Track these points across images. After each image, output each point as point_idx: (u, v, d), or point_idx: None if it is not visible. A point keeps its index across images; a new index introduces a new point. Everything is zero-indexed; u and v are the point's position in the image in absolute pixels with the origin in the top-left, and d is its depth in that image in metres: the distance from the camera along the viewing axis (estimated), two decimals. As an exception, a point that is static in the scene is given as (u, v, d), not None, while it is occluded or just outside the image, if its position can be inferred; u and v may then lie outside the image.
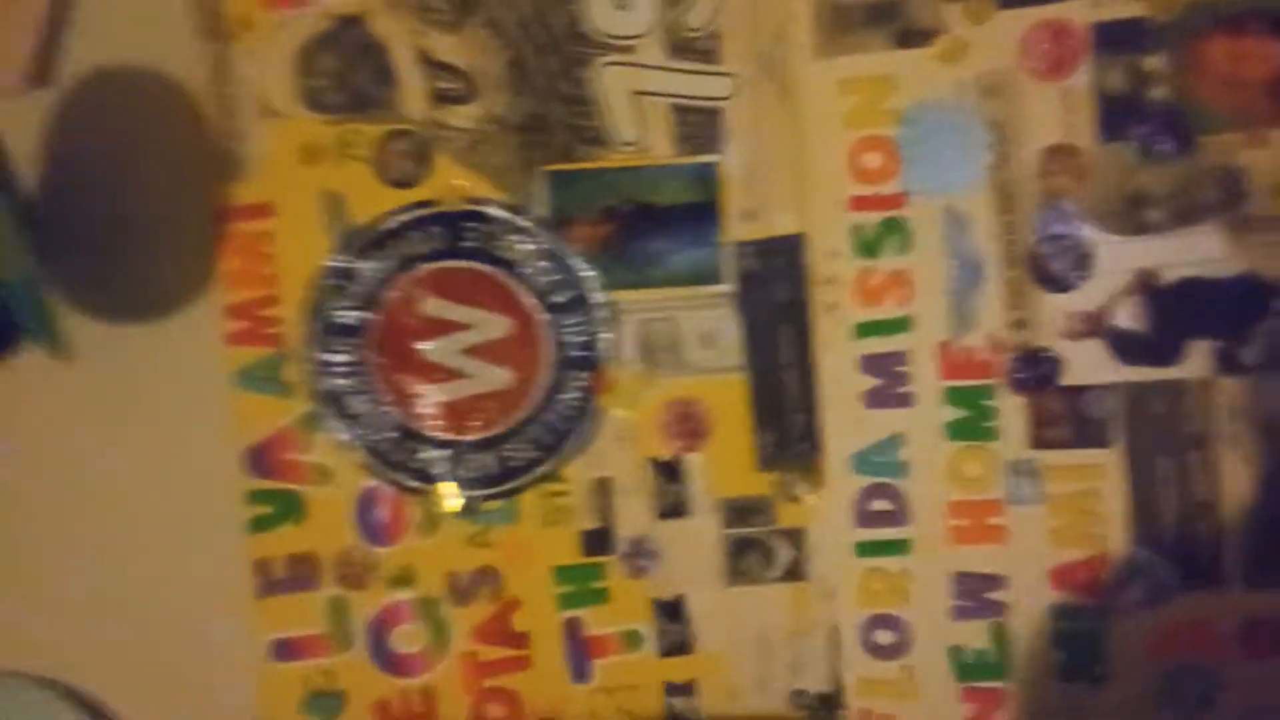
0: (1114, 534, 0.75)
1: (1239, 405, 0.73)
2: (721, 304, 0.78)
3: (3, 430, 0.82)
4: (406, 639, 0.81)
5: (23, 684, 0.82)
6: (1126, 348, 0.74)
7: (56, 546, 0.82)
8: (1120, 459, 0.74)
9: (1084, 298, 0.74)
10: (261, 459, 0.81)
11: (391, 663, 0.81)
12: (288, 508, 0.81)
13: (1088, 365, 0.74)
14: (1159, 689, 0.75)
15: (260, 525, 0.81)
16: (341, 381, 0.80)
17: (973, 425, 0.76)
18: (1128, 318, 0.74)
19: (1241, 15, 0.71)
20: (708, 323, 0.78)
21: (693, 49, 0.77)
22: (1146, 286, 0.73)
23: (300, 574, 0.81)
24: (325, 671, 0.81)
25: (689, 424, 0.78)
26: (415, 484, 0.80)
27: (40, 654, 0.83)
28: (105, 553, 0.82)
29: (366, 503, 0.81)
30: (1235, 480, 0.74)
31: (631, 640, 0.80)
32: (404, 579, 0.81)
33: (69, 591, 0.82)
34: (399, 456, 0.80)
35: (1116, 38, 0.73)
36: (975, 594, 0.77)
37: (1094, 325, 0.74)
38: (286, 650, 0.81)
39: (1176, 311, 0.73)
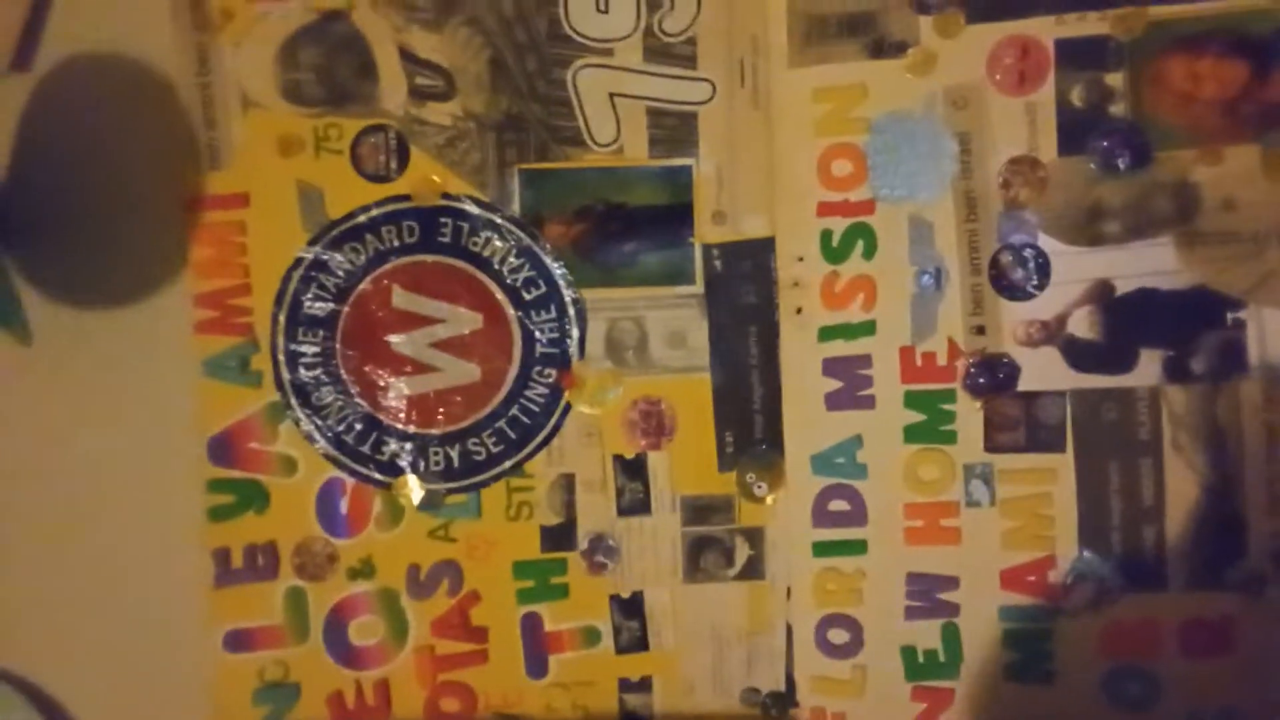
0: (1064, 537, 0.77)
1: (1185, 413, 0.76)
2: (690, 305, 0.79)
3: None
4: (364, 631, 0.82)
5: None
6: (1081, 355, 0.76)
7: (12, 530, 0.82)
8: (1072, 464, 0.77)
9: (1041, 306, 0.76)
10: (225, 448, 0.81)
11: (347, 655, 0.82)
12: (250, 497, 0.81)
13: (1043, 372, 0.77)
14: (1104, 688, 0.77)
15: (221, 514, 0.81)
16: (309, 372, 0.81)
17: (931, 429, 0.78)
18: (1083, 326, 0.76)
19: (1199, 37, 0.74)
20: (675, 323, 0.80)
21: (670, 54, 0.79)
22: (1101, 296, 0.76)
23: (259, 564, 0.81)
24: (280, 662, 0.82)
25: (653, 422, 0.80)
26: (379, 476, 0.81)
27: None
28: (63, 538, 0.82)
29: (329, 494, 0.81)
30: (1179, 486, 0.76)
31: (589, 636, 0.81)
32: (364, 571, 0.81)
33: (22, 576, 0.82)
34: (364, 448, 0.81)
35: (1080, 55, 0.76)
36: (928, 594, 0.78)
37: (1050, 333, 0.76)
38: (242, 640, 0.81)
39: (1129, 321, 0.76)
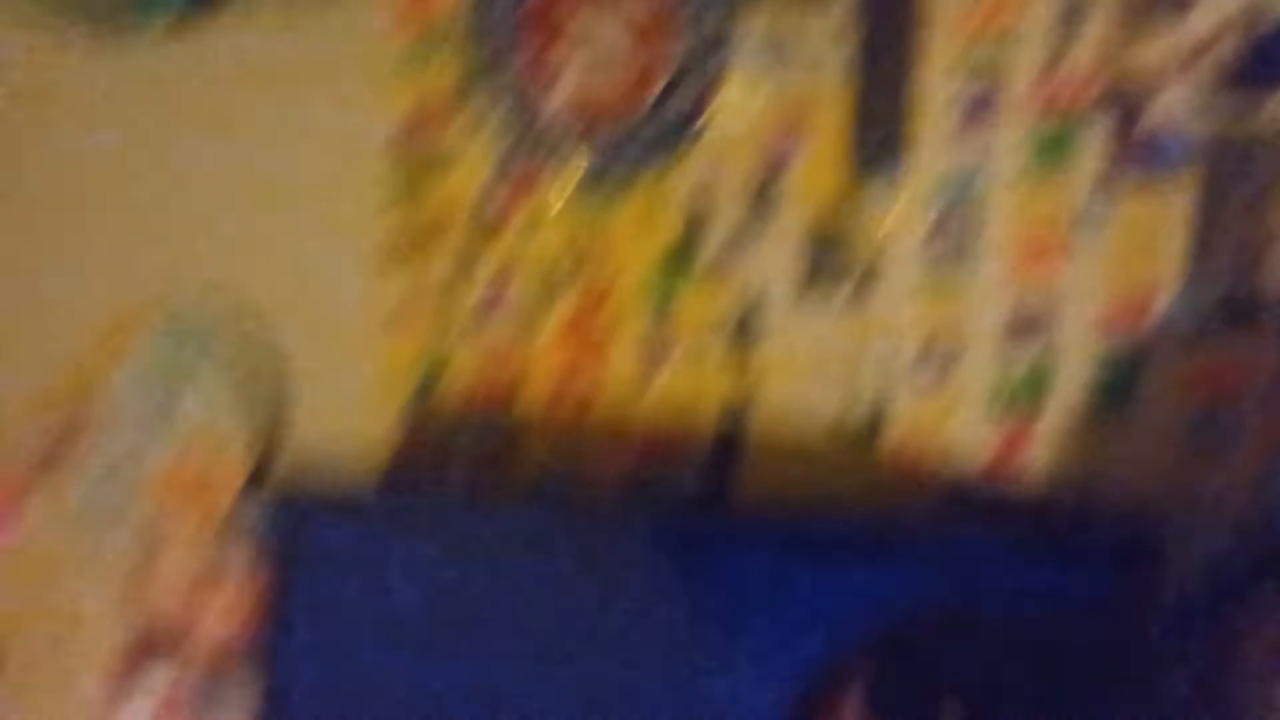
0: (1169, 268, 0.74)
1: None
2: (841, 14, 0.80)
3: (192, 85, 0.92)
4: (504, 323, 0.87)
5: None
6: (1221, 81, 0.73)
7: (224, 185, 0.92)
8: (1191, 194, 0.74)
9: (1187, 31, 0.73)
10: (409, 131, 0.88)
11: (489, 345, 0.87)
12: (422, 182, 0.88)
13: (1178, 99, 0.74)
14: (1189, 425, 0.74)
15: (395, 197, 0.88)
16: (489, 68, 0.86)
17: (1057, 150, 0.76)
18: (1228, 52, 0.73)
19: None
20: (824, 35, 0.80)
21: None
22: (1251, 24, 0.73)
23: (421, 250, 0.88)
24: (431, 347, 0.88)
25: (790, 138, 0.81)
26: (537, 171, 0.86)
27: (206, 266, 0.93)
28: (258, 198, 0.91)
29: (491, 185, 0.87)
30: (1293, 224, 0.73)
31: (700, 352, 0.83)
32: (513, 263, 0.86)
33: (228, 225, 0.92)
34: (526, 143, 0.86)
35: None
36: (1027, 324, 0.77)
37: (1192, 58, 0.73)
38: (401, 323, 0.88)
39: (1274, 48, 0.72)
